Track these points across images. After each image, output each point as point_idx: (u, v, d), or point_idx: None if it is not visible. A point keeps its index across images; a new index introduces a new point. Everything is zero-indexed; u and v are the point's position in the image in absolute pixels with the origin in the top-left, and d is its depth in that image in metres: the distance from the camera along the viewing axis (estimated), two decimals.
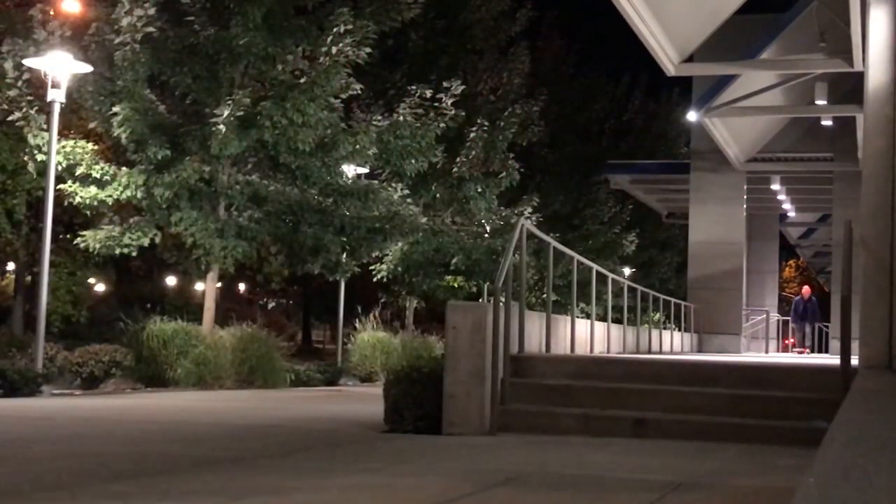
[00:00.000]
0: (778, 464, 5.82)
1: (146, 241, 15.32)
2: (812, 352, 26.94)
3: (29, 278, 28.10)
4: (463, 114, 19.10)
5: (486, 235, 21.06)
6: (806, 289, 28.44)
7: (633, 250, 30.63)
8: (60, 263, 26.58)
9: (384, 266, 20.68)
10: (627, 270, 31.56)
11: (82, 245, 15.43)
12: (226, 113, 14.34)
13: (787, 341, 28.44)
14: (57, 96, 13.05)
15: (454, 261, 20.33)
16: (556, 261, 13.24)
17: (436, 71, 21.52)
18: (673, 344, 19.41)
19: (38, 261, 13.96)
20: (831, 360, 12.29)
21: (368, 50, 15.60)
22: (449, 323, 7.42)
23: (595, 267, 13.35)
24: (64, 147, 14.83)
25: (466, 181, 20.86)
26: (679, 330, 21.02)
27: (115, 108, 14.55)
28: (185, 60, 15.23)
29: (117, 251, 15.30)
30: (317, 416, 9.10)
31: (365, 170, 18.04)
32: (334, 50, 15.06)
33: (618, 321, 15.24)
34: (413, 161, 17.42)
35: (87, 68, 13.74)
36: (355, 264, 17.71)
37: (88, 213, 15.58)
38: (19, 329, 25.92)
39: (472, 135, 20.68)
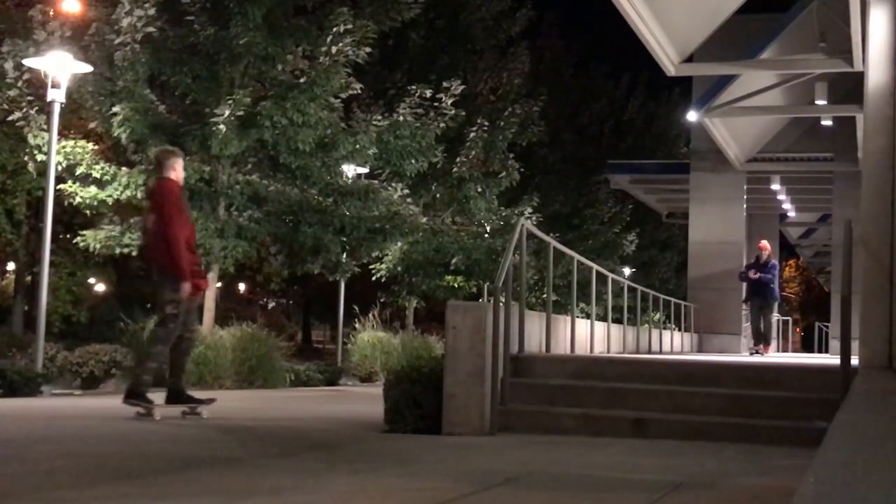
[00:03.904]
0: (778, 464, 5.82)
1: None
2: (769, 350, 17.79)
3: (29, 278, 28.13)
4: (463, 114, 19.11)
5: (486, 235, 21.06)
6: (763, 244, 18.09)
7: (633, 250, 30.65)
8: (60, 263, 26.63)
9: (384, 266, 20.69)
10: (627, 270, 31.56)
11: (82, 245, 15.45)
12: (226, 113, 14.34)
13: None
14: (57, 96, 13.05)
15: (454, 261, 20.34)
16: (556, 261, 13.23)
17: (436, 71, 21.53)
18: (673, 344, 19.39)
19: (38, 261, 13.96)
20: (831, 360, 12.28)
21: (368, 50, 15.62)
22: (449, 323, 7.41)
23: (595, 267, 13.34)
24: (64, 147, 14.83)
25: (466, 181, 20.86)
26: (679, 330, 21.01)
27: (115, 108, 14.56)
28: (185, 60, 15.24)
29: (117, 251, 15.32)
30: (317, 416, 9.09)
31: (365, 170, 18.04)
32: (334, 50, 15.08)
33: (618, 321, 15.23)
34: (413, 161, 17.42)
35: (87, 68, 13.74)
36: (355, 264, 17.72)
37: (88, 213, 15.59)
38: (19, 329, 25.96)
39: (471, 135, 20.70)
